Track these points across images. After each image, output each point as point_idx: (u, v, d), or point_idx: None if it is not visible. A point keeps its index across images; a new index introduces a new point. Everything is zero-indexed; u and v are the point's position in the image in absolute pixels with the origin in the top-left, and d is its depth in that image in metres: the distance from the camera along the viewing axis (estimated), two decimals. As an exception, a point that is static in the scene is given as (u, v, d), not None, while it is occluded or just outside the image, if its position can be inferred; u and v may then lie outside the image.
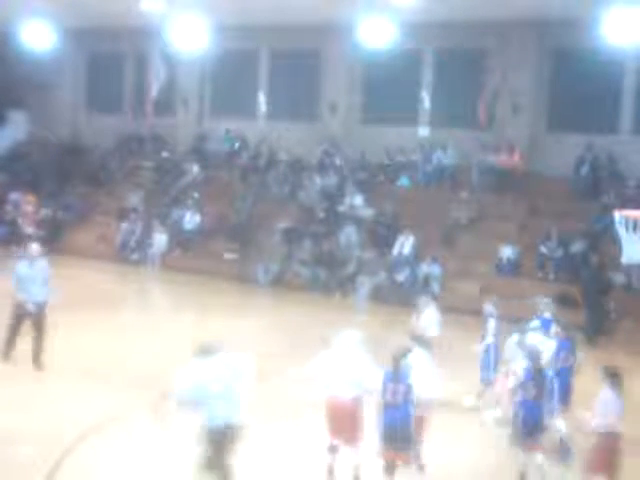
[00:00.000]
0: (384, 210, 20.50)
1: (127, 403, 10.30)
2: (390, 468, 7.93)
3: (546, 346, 9.80)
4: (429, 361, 8.55)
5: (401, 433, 7.79)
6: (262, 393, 11.14)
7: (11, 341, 11.88)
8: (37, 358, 11.75)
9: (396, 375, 7.84)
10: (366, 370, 8.21)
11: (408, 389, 7.81)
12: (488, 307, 11.31)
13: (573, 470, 8.74)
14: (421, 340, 8.96)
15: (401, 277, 18.58)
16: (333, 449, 8.35)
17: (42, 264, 12.02)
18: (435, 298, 12.89)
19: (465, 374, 11.59)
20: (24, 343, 11.91)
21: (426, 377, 8.21)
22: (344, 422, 8.18)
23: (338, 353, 8.36)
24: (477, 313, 12.26)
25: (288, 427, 9.89)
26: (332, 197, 21.55)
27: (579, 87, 20.17)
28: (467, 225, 20.00)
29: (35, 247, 12.07)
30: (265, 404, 10.61)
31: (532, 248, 18.57)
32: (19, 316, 11.82)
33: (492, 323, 11.06)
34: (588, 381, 12.01)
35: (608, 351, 15.00)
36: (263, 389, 11.32)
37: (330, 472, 8.34)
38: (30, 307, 11.71)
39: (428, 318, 11.72)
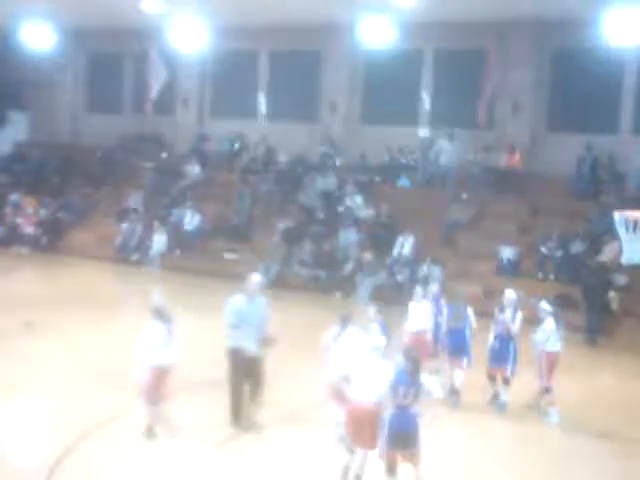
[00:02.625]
0: (384, 210, 20.50)
1: (127, 403, 10.29)
2: (393, 469, 7.93)
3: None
4: (165, 331, 9.20)
5: (412, 434, 7.79)
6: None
7: (239, 404, 9.74)
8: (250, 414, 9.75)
9: (410, 377, 7.84)
10: (388, 375, 8.12)
11: (418, 390, 7.83)
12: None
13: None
14: (160, 313, 9.33)
15: (401, 277, 18.57)
16: (350, 450, 8.26)
17: (262, 300, 10.01)
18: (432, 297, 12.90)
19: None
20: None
21: (163, 346, 9.11)
22: (366, 427, 8.07)
23: (361, 358, 8.29)
24: (478, 314, 12.26)
25: (288, 426, 9.89)
26: (332, 197, 21.56)
27: (579, 87, 20.16)
28: (467, 225, 20.00)
29: (255, 279, 10.03)
30: (265, 403, 10.60)
31: (532, 248, 18.57)
32: (238, 366, 9.61)
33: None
34: (584, 379, 12.08)
35: (610, 352, 15.00)
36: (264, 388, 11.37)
37: (345, 472, 8.25)
38: (248, 352, 9.62)
39: (420, 312, 11.86)
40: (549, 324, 11.06)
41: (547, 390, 11.05)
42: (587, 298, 16.29)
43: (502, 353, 11.11)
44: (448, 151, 21.19)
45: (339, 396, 8.71)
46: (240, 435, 9.53)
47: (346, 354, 8.96)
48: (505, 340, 11.11)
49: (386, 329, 10.11)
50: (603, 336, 15.70)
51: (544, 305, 11.24)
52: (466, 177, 20.95)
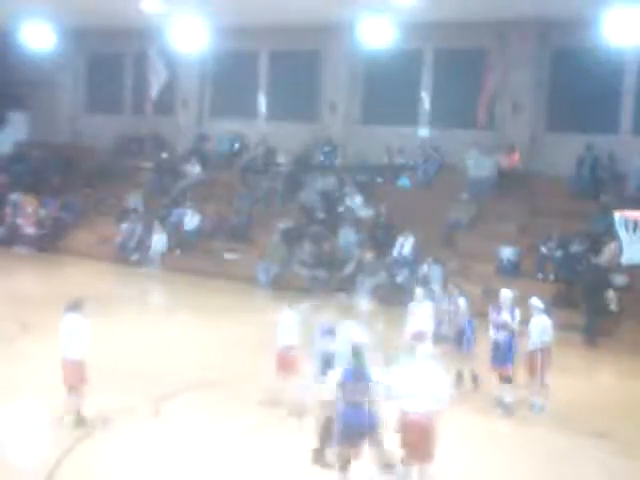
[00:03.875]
0: (384, 211, 20.50)
1: (126, 403, 10.30)
2: (345, 466, 7.89)
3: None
4: (84, 324, 9.90)
5: (364, 431, 7.72)
6: (263, 393, 11.19)
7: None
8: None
9: (357, 373, 7.77)
10: (439, 381, 8.05)
11: (367, 387, 7.73)
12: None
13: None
14: (76, 305, 10.10)
15: (401, 278, 18.56)
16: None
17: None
18: (433, 297, 12.91)
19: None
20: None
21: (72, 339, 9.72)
22: (421, 438, 7.86)
23: (410, 368, 8.11)
24: (478, 314, 12.27)
25: (289, 426, 9.88)
26: (332, 197, 21.56)
27: (579, 87, 20.14)
28: (467, 225, 19.99)
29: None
30: (264, 405, 10.62)
31: (532, 248, 18.56)
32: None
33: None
34: (584, 380, 12.08)
35: (610, 352, 15.00)
36: (264, 389, 11.38)
37: None
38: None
39: (423, 313, 11.87)
40: (544, 320, 11.11)
41: (540, 385, 11.13)
42: (586, 298, 16.29)
43: (504, 353, 11.13)
44: (479, 160, 20.74)
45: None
46: (238, 435, 9.53)
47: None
48: (507, 340, 11.13)
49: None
50: (603, 336, 15.68)
51: (535, 301, 11.28)
52: (466, 177, 20.94)
